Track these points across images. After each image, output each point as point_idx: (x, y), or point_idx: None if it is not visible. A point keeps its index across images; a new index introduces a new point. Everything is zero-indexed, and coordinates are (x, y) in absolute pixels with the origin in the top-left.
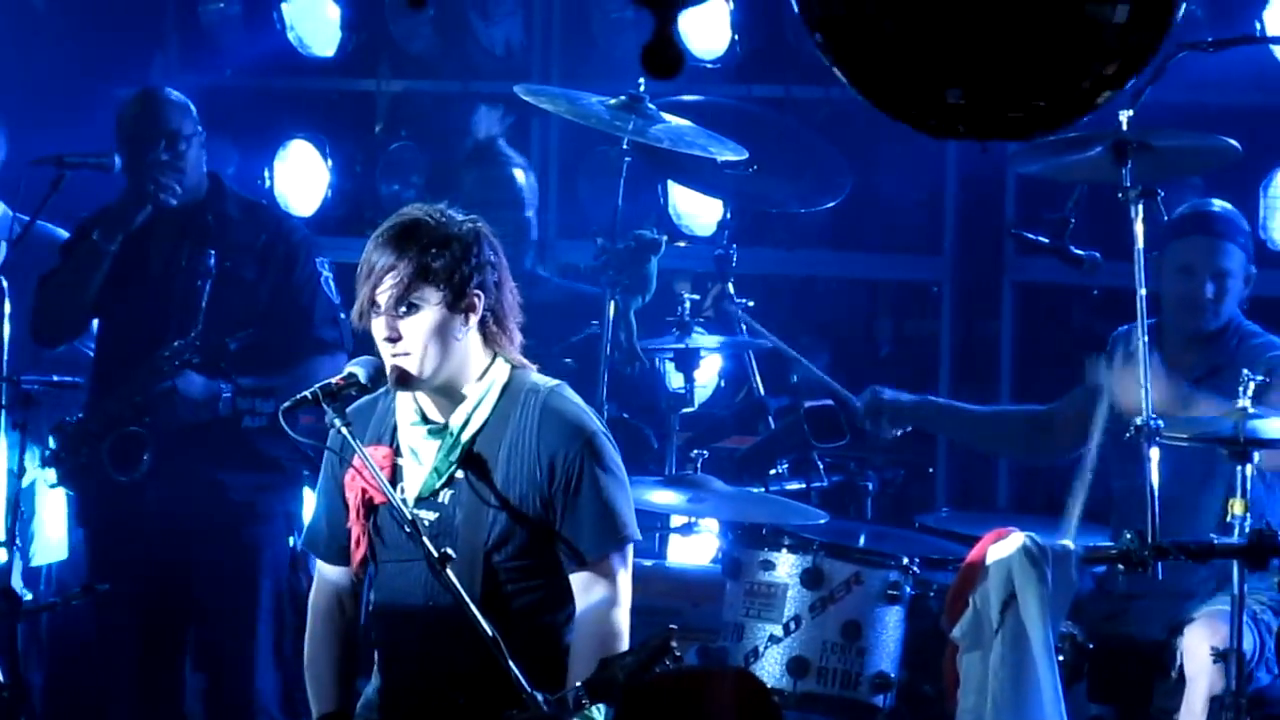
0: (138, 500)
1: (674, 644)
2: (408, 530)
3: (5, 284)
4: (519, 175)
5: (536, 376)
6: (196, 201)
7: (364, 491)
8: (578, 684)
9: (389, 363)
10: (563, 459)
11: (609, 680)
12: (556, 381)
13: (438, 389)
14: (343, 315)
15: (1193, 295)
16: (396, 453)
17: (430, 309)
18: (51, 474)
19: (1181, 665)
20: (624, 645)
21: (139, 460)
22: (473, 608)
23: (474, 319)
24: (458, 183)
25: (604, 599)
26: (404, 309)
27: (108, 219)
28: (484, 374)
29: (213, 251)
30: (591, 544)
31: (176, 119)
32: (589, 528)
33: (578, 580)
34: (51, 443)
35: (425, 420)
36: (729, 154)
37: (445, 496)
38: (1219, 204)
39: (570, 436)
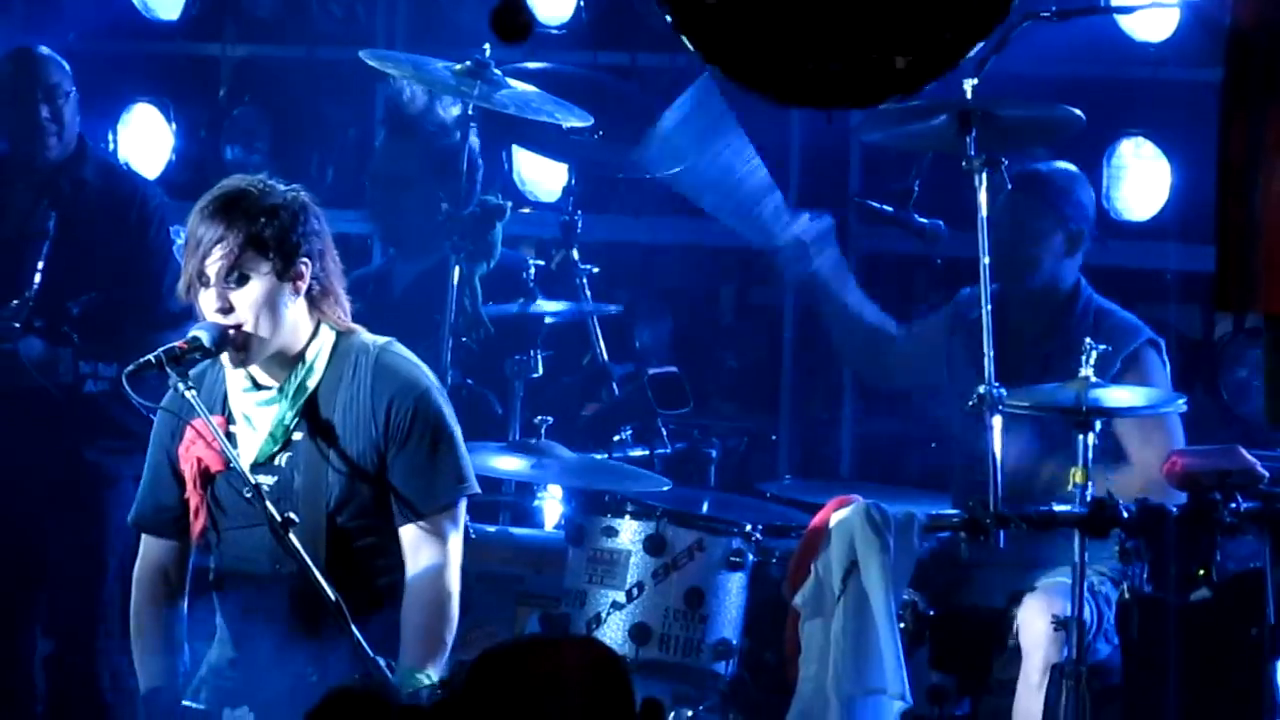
0: None
1: None
2: (248, 495)
3: None
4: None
5: (366, 336)
6: (59, 163)
7: (199, 461)
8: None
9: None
10: (395, 412)
11: None
12: (386, 339)
13: (269, 357)
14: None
15: (1010, 256)
16: (230, 420)
17: (260, 279)
18: None
19: (1019, 635)
20: (454, 607)
21: None
22: (315, 572)
23: (302, 286)
24: (382, 155)
25: (433, 560)
26: (234, 280)
27: None
28: (311, 339)
29: (54, 214)
30: (425, 499)
31: (55, 75)
32: (421, 481)
33: (407, 535)
34: None
35: (257, 387)
36: (574, 120)
37: (282, 460)
38: (1056, 165)
39: (403, 391)
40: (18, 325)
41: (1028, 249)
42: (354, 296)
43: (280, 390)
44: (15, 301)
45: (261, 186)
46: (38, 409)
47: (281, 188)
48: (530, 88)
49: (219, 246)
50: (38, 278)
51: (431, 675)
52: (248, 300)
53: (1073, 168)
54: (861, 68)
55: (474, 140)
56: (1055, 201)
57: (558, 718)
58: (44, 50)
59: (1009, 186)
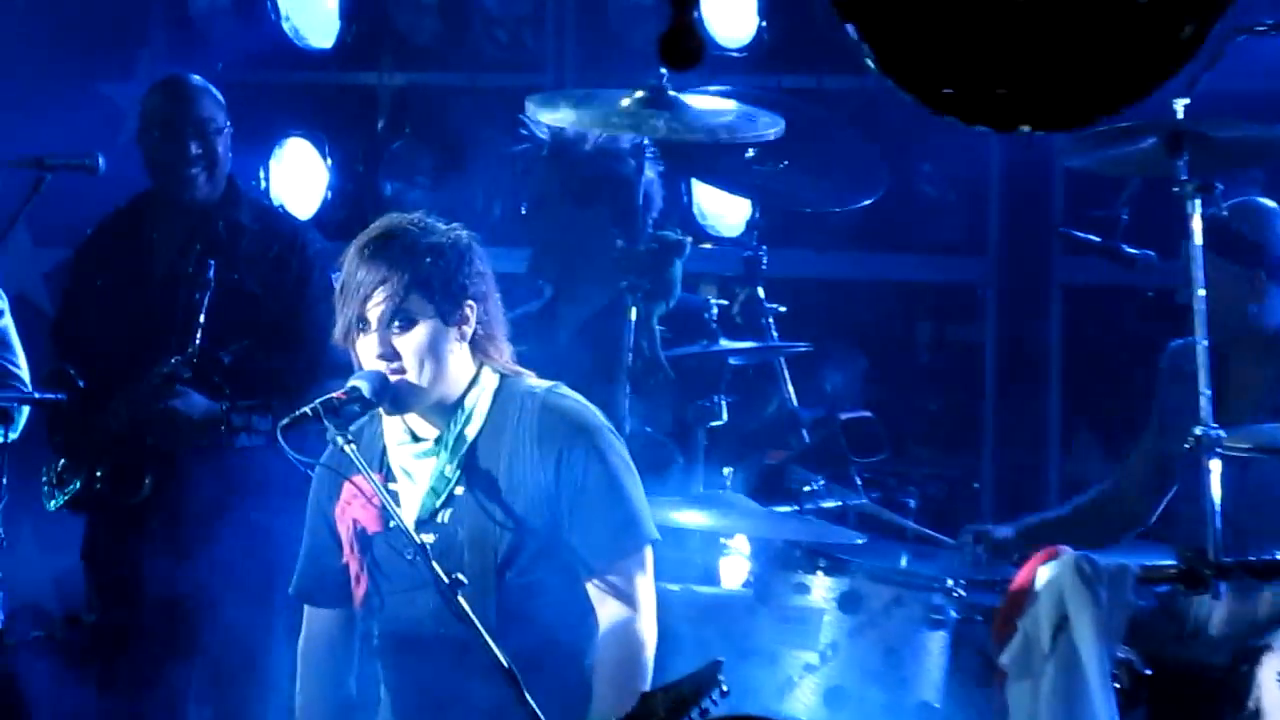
0: (140, 526)
1: (721, 678)
2: (410, 556)
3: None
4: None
5: (531, 380)
6: (211, 205)
7: (356, 522)
8: None
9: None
10: (568, 460)
11: (649, 716)
12: (552, 382)
13: (429, 405)
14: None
15: (1220, 314)
16: (388, 478)
17: (425, 322)
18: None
19: (1260, 696)
20: (648, 660)
21: (140, 483)
22: (486, 636)
23: (468, 331)
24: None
25: (623, 611)
26: (399, 324)
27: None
28: (472, 384)
29: (213, 262)
30: (608, 550)
31: (209, 108)
32: (601, 532)
33: (594, 591)
34: (59, 464)
35: (416, 439)
36: (768, 128)
37: (445, 516)
38: (1257, 210)
39: (573, 435)
40: (179, 384)
41: (1230, 306)
42: (515, 339)
43: (439, 440)
44: (176, 358)
45: (422, 224)
46: (199, 467)
47: (442, 226)
48: (724, 103)
49: (382, 289)
50: (199, 333)
51: None
52: (412, 345)
53: (1267, 204)
54: (1052, 91)
55: (649, 172)
56: (1251, 257)
57: None
58: (197, 80)
59: (1223, 213)
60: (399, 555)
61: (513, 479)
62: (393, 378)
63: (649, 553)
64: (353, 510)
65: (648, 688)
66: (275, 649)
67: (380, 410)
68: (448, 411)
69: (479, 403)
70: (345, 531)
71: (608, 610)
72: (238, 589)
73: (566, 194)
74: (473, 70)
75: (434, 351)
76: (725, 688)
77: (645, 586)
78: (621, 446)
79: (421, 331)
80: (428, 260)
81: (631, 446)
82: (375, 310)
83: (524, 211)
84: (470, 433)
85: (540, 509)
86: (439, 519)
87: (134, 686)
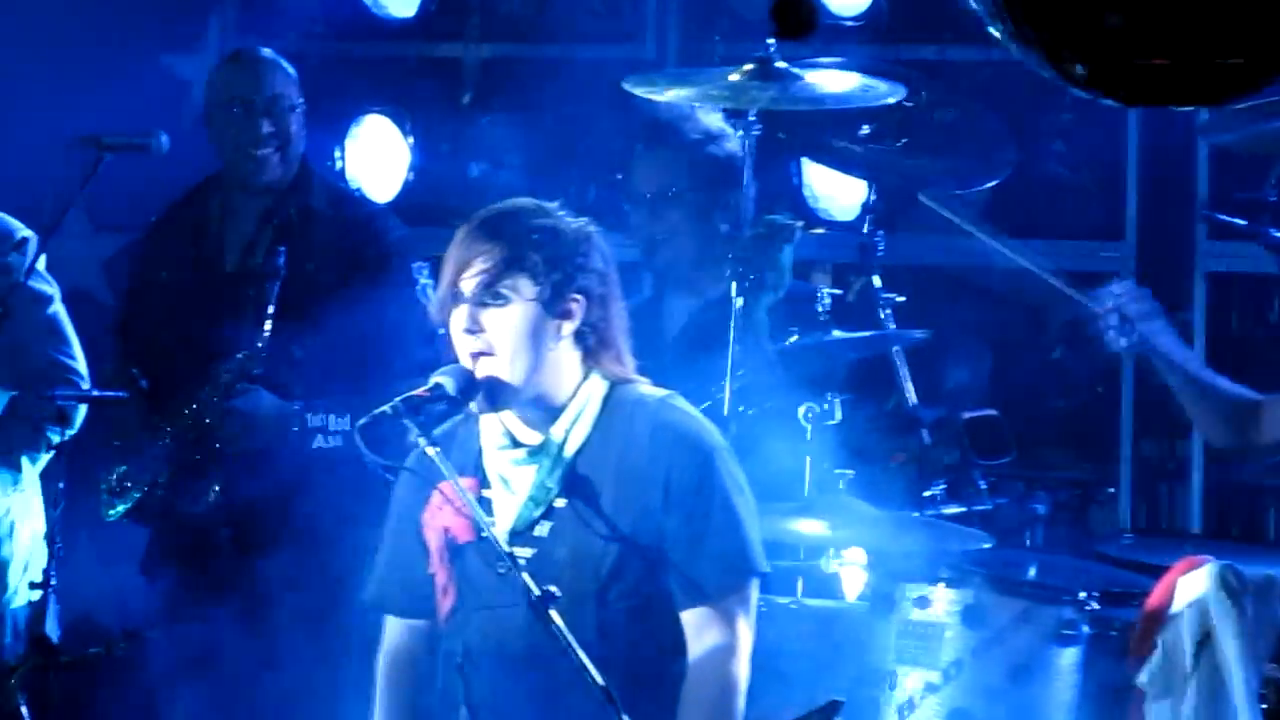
0: (205, 536)
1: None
2: (502, 570)
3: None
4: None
5: (644, 388)
6: (283, 188)
7: (446, 530)
8: None
9: (471, 365)
10: (680, 479)
11: None
12: (667, 392)
13: (529, 403)
14: (442, 331)
15: None
16: (483, 484)
17: (521, 304)
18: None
19: None
20: (740, 700)
21: (205, 491)
22: (582, 654)
23: (570, 327)
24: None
25: (720, 647)
26: (491, 298)
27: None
28: (578, 388)
29: (283, 249)
30: (712, 578)
31: (281, 83)
32: (710, 559)
33: (691, 619)
34: (118, 470)
35: (516, 444)
36: (889, 95)
37: (544, 529)
38: None
39: (688, 453)
40: (247, 380)
41: None
42: None
43: (541, 447)
44: (244, 353)
45: (543, 208)
46: (268, 471)
47: (568, 216)
48: (828, 75)
49: (481, 259)
50: (268, 325)
51: None
52: (503, 325)
53: None
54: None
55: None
56: None
57: None
58: (268, 53)
59: None
60: (490, 568)
61: (619, 495)
62: (478, 365)
63: (754, 587)
64: (443, 517)
65: None
66: (347, 665)
67: (471, 405)
68: (550, 415)
69: (586, 409)
70: (434, 539)
71: (704, 643)
72: (310, 604)
73: (689, 181)
74: (566, 41)
75: (530, 339)
76: None
77: (744, 626)
78: (737, 468)
79: (516, 313)
80: (535, 238)
81: (736, 448)
82: (470, 282)
83: (629, 200)
84: (575, 441)
85: (647, 529)
86: (536, 531)
87: (202, 708)
